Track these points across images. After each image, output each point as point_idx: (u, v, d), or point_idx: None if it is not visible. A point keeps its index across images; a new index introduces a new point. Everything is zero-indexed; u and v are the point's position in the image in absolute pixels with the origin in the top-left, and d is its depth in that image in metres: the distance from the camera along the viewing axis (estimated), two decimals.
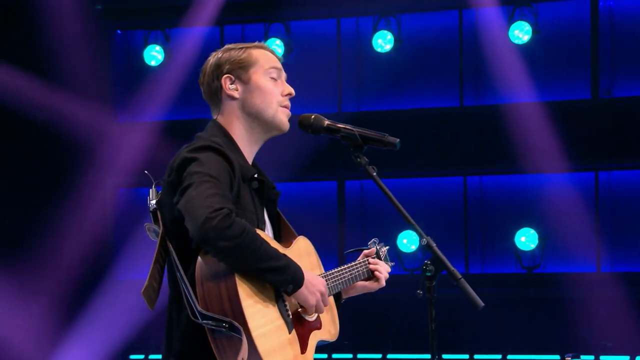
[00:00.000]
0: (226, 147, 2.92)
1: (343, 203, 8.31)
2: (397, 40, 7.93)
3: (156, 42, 8.40)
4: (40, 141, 8.29)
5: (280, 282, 2.82)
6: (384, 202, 8.61)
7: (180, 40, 8.40)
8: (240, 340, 2.73)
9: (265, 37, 8.12)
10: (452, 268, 2.89)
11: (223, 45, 8.82)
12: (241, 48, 3.05)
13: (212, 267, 2.81)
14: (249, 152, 3.04)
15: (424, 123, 8.01)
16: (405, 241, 7.82)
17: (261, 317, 2.81)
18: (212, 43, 8.48)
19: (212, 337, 2.80)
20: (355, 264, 3.23)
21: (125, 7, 8.65)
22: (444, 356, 7.85)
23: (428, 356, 8.38)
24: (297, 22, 8.27)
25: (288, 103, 3.06)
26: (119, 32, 8.89)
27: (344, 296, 3.26)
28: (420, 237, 2.92)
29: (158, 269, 2.98)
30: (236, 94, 3.02)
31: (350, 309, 7.98)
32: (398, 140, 2.99)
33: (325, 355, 8.05)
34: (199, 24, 8.25)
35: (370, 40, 8.00)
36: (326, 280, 3.04)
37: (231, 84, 3.02)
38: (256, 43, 3.09)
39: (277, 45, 8.05)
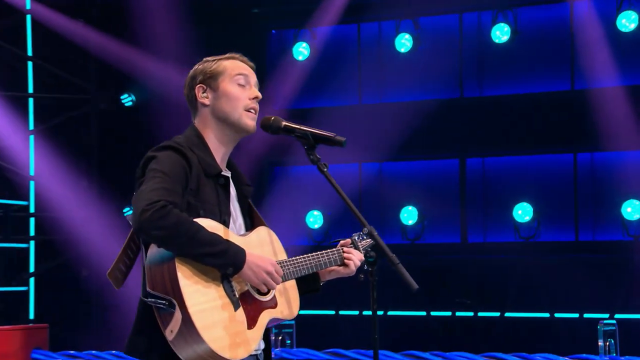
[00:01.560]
0: (193, 147, 3.09)
1: (464, 180, 9.00)
2: (514, 31, 8.64)
3: (304, 40, 9.37)
4: None
5: (219, 265, 2.91)
6: (503, 179, 9.20)
7: (324, 37, 9.35)
8: (179, 315, 2.84)
9: (396, 32, 9.02)
10: (390, 254, 2.99)
11: (360, 41, 9.77)
12: (214, 60, 3.24)
13: (158, 252, 2.92)
14: (221, 152, 3.20)
15: (538, 106, 8.65)
16: (520, 212, 8.55)
17: (200, 296, 2.88)
18: (351, 39, 9.53)
19: (157, 314, 2.91)
20: (326, 252, 3.33)
21: (278, 10, 9.63)
22: (556, 315, 8.59)
23: (542, 315, 8.98)
24: (425, 18, 9.06)
25: (254, 106, 3.20)
26: (273, 32, 9.94)
27: (322, 279, 3.38)
28: (363, 226, 3.05)
29: (128, 254, 3.11)
30: (207, 101, 3.18)
31: (474, 273, 8.78)
32: (344, 139, 3.16)
33: (449, 313, 8.84)
34: (340, 23, 9.21)
35: (489, 32, 8.72)
36: (287, 265, 3.15)
37: (203, 92, 3.19)
38: (228, 54, 3.26)
39: (406, 39, 9.01)
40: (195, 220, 2.90)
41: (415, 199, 8.89)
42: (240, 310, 2.98)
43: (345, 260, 3.33)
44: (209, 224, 2.94)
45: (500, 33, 8.72)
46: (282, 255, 3.21)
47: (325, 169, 3.13)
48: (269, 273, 2.99)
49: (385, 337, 8.89)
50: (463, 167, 9.00)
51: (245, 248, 2.97)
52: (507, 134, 8.79)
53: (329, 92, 9.24)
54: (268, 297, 3.08)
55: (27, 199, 9.58)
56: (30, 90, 9.74)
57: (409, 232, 8.94)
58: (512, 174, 8.90)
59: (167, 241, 2.86)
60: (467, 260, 8.89)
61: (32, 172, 9.53)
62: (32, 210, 9.62)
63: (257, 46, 9.64)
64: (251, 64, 3.27)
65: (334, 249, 3.35)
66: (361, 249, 3.38)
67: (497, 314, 8.72)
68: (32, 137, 9.57)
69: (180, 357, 2.89)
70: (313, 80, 9.32)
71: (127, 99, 9.95)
